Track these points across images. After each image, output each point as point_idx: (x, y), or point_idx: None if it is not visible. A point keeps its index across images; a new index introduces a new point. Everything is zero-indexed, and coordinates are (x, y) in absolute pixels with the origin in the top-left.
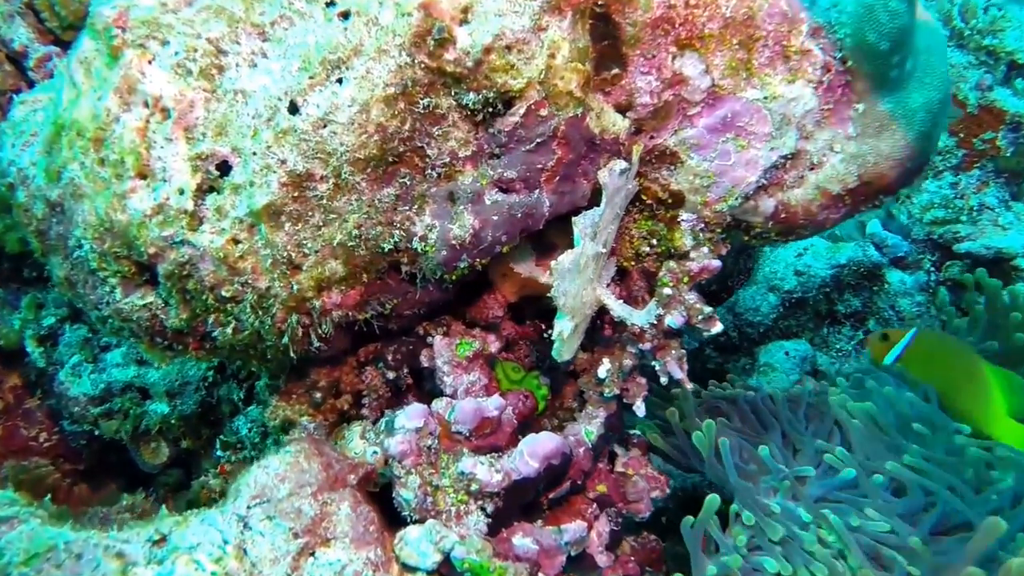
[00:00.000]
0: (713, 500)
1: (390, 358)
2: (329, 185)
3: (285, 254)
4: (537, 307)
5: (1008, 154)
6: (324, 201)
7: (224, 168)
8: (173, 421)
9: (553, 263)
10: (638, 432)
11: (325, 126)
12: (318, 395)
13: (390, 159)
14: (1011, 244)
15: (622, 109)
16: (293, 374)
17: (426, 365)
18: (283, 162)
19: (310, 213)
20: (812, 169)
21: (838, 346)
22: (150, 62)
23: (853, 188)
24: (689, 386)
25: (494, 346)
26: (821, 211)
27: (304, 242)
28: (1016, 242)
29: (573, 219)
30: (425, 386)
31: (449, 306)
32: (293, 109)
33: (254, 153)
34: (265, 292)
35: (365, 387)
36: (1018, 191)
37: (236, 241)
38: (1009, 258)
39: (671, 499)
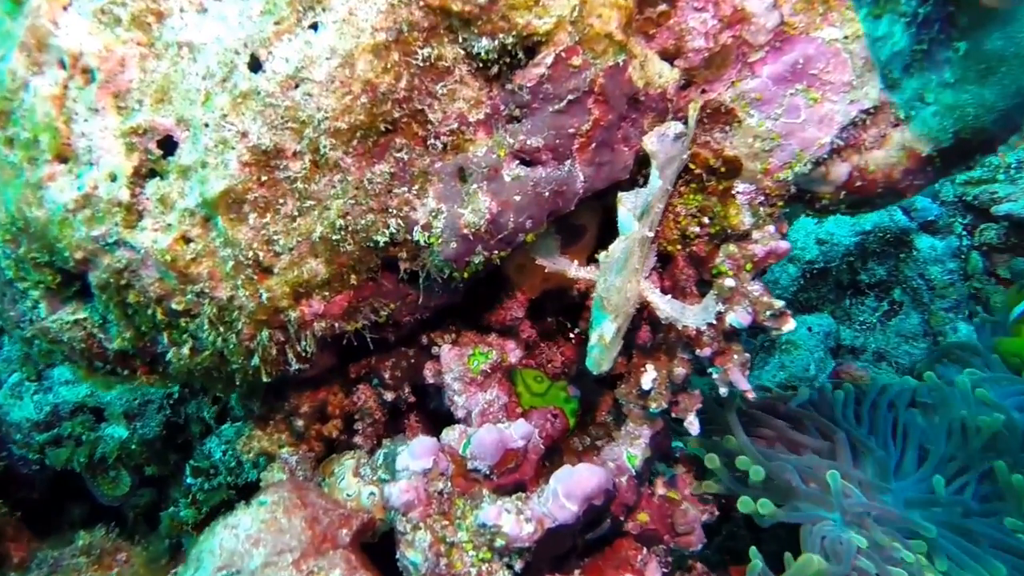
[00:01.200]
0: (808, 562)
1: (387, 375)
2: (304, 163)
3: (250, 254)
4: (561, 301)
5: None
6: (299, 184)
7: (168, 145)
8: (134, 446)
9: (602, 255)
10: (679, 444)
11: (297, 86)
12: (300, 423)
13: (382, 127)
14: None
15: (669, 56)
16: (271, 396)
17: (431, 381)
18: (244, 135)
19: (281, 200)
20: (897, 126)
21: (861, 318)
22: (65, 8)
23: (947, 148)
24: (752, 396)
25: (514, 355)
26: (905, 177)
27: (274, 238)
28: None
29: (620, 195)
30: (430, 405)
31: (457, 309)
32: (255, 65)
33: (206, 124)
34: (227, 303)
35: (357, 410)
36: None
37: (186, 240)
38: None
39: None
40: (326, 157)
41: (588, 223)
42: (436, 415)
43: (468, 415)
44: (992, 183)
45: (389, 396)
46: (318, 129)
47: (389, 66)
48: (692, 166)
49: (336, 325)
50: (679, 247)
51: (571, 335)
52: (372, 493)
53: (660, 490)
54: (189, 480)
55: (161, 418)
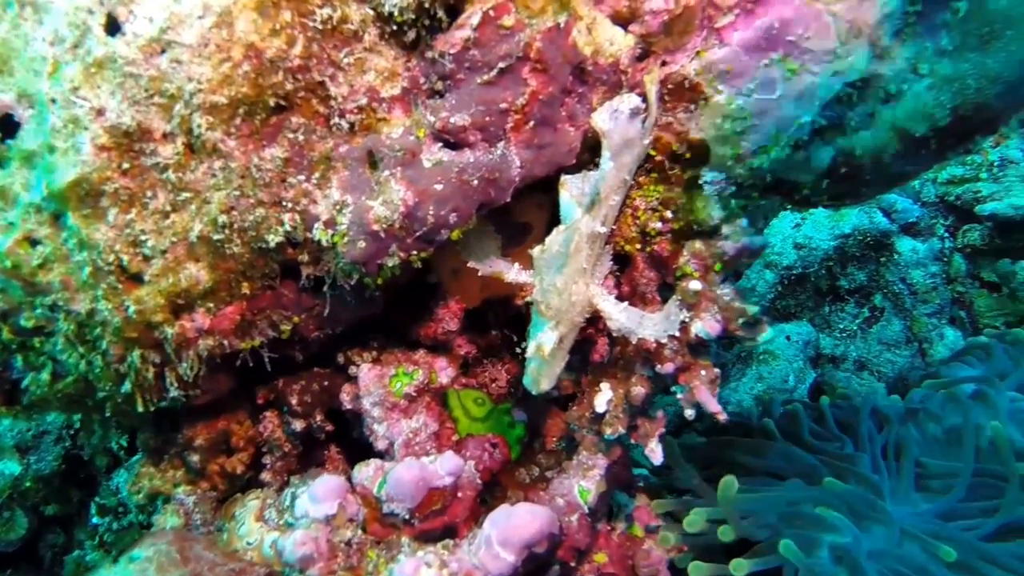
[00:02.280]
0: None
1: (294, 401)
2: (176, 147)
3: (112, 258)
4: (505, 311)
5: None
6: (170, 173)
7: (8, 126)
8: (28, 484)
9: (536, 250)
10: (643, 471)
11: (163, 51)
12: (195, 458)
13: (272, 103)
14: None
15: (623, 20)
16: (166, 425)
17: (349, 407)
18: (99, 112)
19: (149, 192)
20: (887, 102)
21: (841, 326)
22: None
23: (944, 127)
24: (723, 418)
25: (445, 375)
26: (896, 162)
27: (142, 238)
28: None
29: (563, 178)
30: (353, 433)
31: (380, 321)
32: (113, 27)
33: (54, 100)
34: (87, 318)
35: (264, 441)
36: None
37: (32, 241)
38: None
39: None
40: (203, 139)
41: (534, 221)
42: (361, 445)
43: (390, 446)
44: (975, 182)
45: (298, 425)
46: (190, 104)
47: (279, 28)
48: (652, 152)
49: (227, 343)
50: (638, 247)
51: (518, 350)
52: (276, 541)
53: (621, 525)
54: (95, 520)
55: (59, 450)
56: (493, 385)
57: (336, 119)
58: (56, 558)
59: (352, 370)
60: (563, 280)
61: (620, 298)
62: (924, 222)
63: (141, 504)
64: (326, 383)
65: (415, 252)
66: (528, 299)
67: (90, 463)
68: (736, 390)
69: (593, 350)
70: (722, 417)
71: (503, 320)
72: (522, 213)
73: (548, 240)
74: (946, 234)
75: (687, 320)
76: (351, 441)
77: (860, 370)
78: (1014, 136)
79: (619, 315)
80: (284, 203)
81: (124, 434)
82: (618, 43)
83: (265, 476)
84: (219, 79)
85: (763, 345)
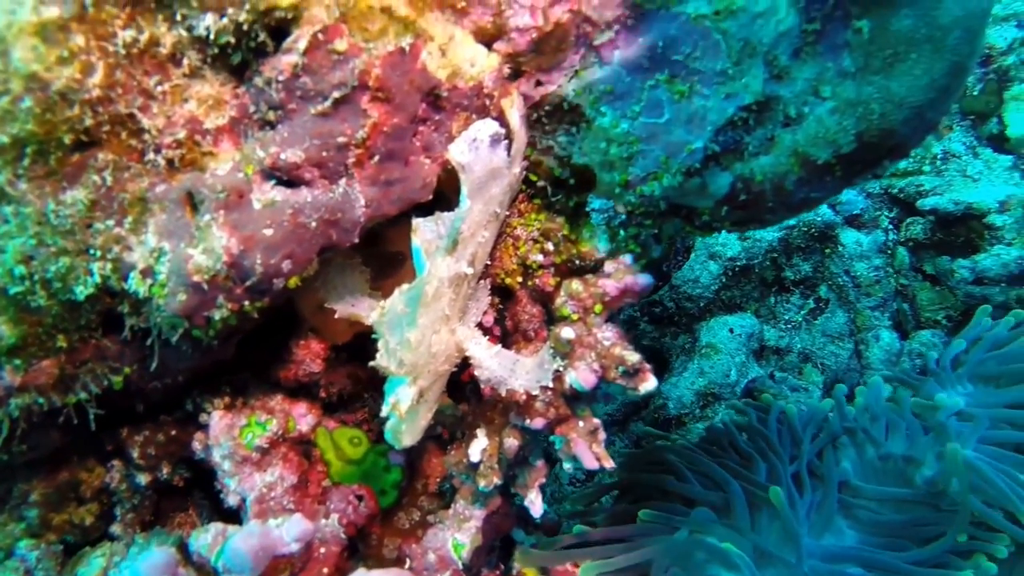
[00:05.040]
0: None
1: (136, 454)
2: None
3: None
4: None
5: (975, 92)
6: None
7: None
8: None
9: (374, 315)
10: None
11: None
12: (32, 513)
13: (69, 140)
14: (982, 198)
15: (488, 38)
16: (7, 472)
17: (202, 457)
18: None
19: None
20: (787, 125)
21: (786, 317)
22: None
23: (848, 153)
24: (609, 464)
25: (305, 422)
26: (799, 188)
27: None
28: (988, 195)
29: (414, 223)
30: (215, 485)
31: (236, 361)
32: None
33: None
34: None
35: (112, 492)
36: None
37: None
38: (980, 215)
39: None
40: None
41: (408, 250)
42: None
43: (243, 503)
44: (918, 175)
45: (143, 479)
46: None
47: (69, 55)
48: (533, 177)
49: (44, 400)
50: (520, 279)
51: None
52: None
53: (516, 565)
54: None
55: None
56: (375, 421)
57: (151, 155)
58: None
59: (203, 418)
60: (417, 334)
61: (504, 335)
62: (868, 214)
63: None
64: (174, 432)
65: (247, 303)
66: (372, 364)
67: None
68: (676, 385)
69: (481, 392)
70: (609, 465)
71: None
72: (394, 242)
73: (389, 302)
74: (890, 226)
75: (561, 369)
76: (212, 493)
77: (804, 362)
78: (957, 128)
79: (489, 361)
80: (93, 251)
81: None
82: (480, 64)
83: (115, 529)
84: None
85: (705, 339)
